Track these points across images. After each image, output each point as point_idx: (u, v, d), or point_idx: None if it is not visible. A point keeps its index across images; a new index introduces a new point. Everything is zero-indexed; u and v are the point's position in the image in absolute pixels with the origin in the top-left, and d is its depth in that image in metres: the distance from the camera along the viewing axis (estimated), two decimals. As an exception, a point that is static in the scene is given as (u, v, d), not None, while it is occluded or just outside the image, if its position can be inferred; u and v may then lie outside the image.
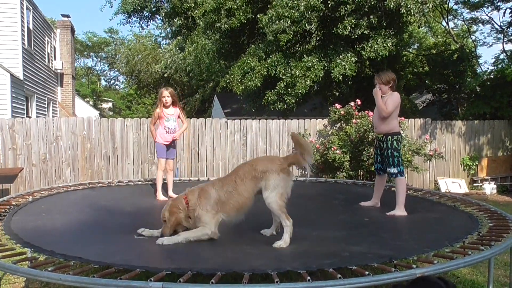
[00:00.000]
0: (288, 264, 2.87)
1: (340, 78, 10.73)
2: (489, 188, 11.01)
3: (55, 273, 2.58)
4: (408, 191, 6.31)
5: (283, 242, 3.50)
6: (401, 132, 5.36)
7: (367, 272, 2.51)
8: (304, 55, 11.21)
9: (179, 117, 6.25)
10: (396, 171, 4.96)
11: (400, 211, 4.82)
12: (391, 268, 2.63)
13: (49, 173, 9.32)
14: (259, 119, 10.66)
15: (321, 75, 10.92)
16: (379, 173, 5.30)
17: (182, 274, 2.55)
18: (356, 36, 10.63)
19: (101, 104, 40.98)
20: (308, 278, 2.43)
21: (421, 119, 11.37)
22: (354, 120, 9.59)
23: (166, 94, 6.12)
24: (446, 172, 11.46)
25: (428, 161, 10.46)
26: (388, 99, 4.98)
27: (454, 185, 11.00)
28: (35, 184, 9.09)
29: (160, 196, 5.92)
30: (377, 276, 2.51)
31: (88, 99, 36.49)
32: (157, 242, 3.53)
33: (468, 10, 17.47)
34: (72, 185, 6.45)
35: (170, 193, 5.99)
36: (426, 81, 18.20)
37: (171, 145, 6.21)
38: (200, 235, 3.57)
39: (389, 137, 4.98)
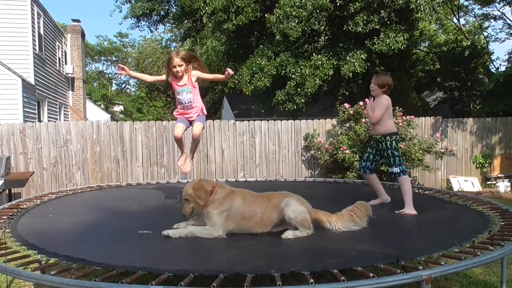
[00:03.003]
0: (292, 263, 2.83)
1: (350, 76, 10.64)
2: (503, 186, 10.82)
3: (57, 277, 2.58)
4: (419, 190, 6.25)
5: (292, 234, 3.49)
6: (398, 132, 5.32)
7: (371, 274, 2.46)
8: (313, 54, 11.15)
9: (195, 82, 4.88)
10: (399, 170, 4.96)
11: (409, 209, 4.76)
12: (397, 270, 2.57)
13: (59, 177, 9.40)
14: (268, 120, 10.62)
15: (330, 74, 10.85)
16: (365, 171, 5.36)
17: (184, 276, 2.53)
18: (367, 31, 10.53)
19: (113, 108, 41.35)
20: (311, 281, 2.39)
21: (432, 117, 11.22)
22: (363, 120, 9.51)
23: (178, 62, 4.67)
24: (458, 170, 11.30)
25: (440, 159, 10.32)
26: (376, 103, 5.00)
27: (467, 183, 10.83)
28: (46, 187, 9.18)
29: (181, 161, 5.26)
30: (381, 278, 2.45)
31: (99, 102, 36.83)
32: (162, 233, 3.53)
33: (479, 6, 17.24)
34: (81, 188, 6.48)
35: (188, 161, 5.21)
36: (438, 79, 18.01)
37: (195, 118, 4.95)
38: (207, 235, 3.52)
39: (388, 137, 4.98)
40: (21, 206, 4.99)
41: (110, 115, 32.14)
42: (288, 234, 3.49)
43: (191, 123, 4.95)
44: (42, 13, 15.24)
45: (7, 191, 7.81)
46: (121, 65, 4.91)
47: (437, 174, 10.99)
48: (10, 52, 13.24)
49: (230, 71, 4.77)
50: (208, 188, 3.59)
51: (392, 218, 4.52)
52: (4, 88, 12.20)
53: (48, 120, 15.17)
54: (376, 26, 10.60)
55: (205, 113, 5.06)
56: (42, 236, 3.66)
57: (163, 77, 5.08)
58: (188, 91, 4.80)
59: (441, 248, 3.11)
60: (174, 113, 5.08)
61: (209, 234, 3.51)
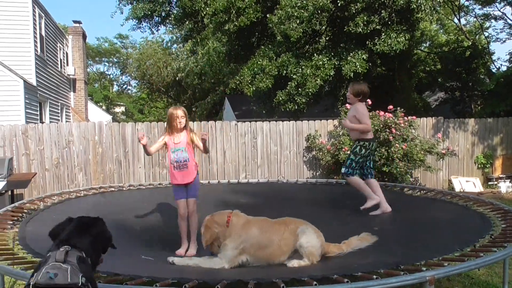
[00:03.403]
0: (292, 273, 2.84)
1: (351, 75, 10.65)
2: (505, 186, 10.81)
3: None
4: (421, 191, 6.27)
5: (297, 263, 3.42)
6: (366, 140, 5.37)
7: (374, 276, 2.47)
8: (314, 54, 11.16)
9: (192, 142, 4.64)
10: (343, 171, 5.30)
11: (370, 202, 5.12)
12: (399, 272, 2.57)
13: (62, 178, 9.42)
14: (269, 121, 10.62)
15: (331, 74, 10.85)
16: (362, 178, 5.42)
17: (188, 282, 2.54)
18: (368, 31, 10.53)
19: (114, 109, 41.38)
20: (315, 282, 2.40)
21: (433, 118, 11.22)
22: (365, 120, 9.49)
23: (181, 113, 4.58)
24: (460, 171, 11.29)
25: (441, 160, 10.32)
26: (361, 113, 5.17)
27: (469, 184, 10.83)
28: (49, 188, 9.20)
29: (182, 250, 4.32)
30: (386, 279, 2.46)
31: (101, 103, 36.85)
32: (168, 259, 3.54)
33: (480, 6, 17.22)
34: (83, 189, 6.49)
35: (191, 247, 4.37)
36: (439, 79, 17.99)
37: (192, 181, 4.59)
38: (213, 266, 3.44)
39: (357, 142, 5.25)
40: (24, 209, 5.01)
41: (111, 116, 32.16)
42: (294, 263, 3.42)
43: (186, 188, 4.57)
44: (43, 15, 15.27)
45: (9, 192, 7.83)
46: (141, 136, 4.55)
47: (439, 175, 10.99)
48: (12, 53, 13.26)
49: (204, 135, 4.64)
50: (224, 219, 3.53)
51: (392, 227, 4.52)
52: (6, 90, 12.22)
53: (50, 122, 15.18)
54: (377, 27, 10.60)
55: (198, 172, 4.71)
56: (48, 244, 3.67)
57: (161, 142, 4.69)
58: (183, 149, 4.54)
59: (442, 255, 3.11)
60: (171, 180, 4.63)
61: (215, 266, 3.43)
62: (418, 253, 3.25)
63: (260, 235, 3.48)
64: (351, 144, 9.38)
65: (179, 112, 4.57)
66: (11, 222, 4.41)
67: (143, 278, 2.67)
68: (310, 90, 10.69)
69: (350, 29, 10.50)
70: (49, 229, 4.21)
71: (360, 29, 10.36)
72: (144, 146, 4.54)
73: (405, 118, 9.46)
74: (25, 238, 3.86)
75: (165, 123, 4.81)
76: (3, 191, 7.42)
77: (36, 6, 14.24)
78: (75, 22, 21.02)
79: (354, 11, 10.38)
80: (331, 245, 3.68)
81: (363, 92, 5.22)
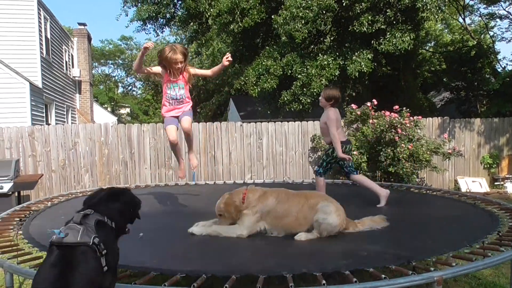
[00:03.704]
0: (304, 264, 2.84)
1: (357, 75, 10.63)
2: (511, 186, 10.76)
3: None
4: (427, 191, 6.26)
5: (304, 236, 3.47)
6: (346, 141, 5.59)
7: (383, 276, 2.47)
8: (319, 54, 11.17)
9: (188, 78, 4.62)
10: (316, 169, 5.65)
11: (382, 199, 5.21)
12: (408, 271, 2.58)
13: (68, 179, 9.47)
14: (275, 122, 10.63)
15: (336, 74, 10.85)
16: (319, 175, 5.65)
17: (197, 277, 2.55)
18: (373, 31, 10.53)
19: (119, 110, 41.56)
20: (323, 282, 2.40)
21: (439, 118, 11.19)
22: (370, 121, 9.50)
23: (180, 58, 4.39)
24: (466, 171, 11.25)
25: (447, 160, 10.29)
26: (328, 119, 5.35)
27: (475, 184, 10.79)
28: (55, 190, 9.25)
29: (182, 173, 5.06)
30: (394, 279, 2.46)
31: (106, 105, 37.02)
32: (188, 230, 3.58)
33: (485, 6, 17.17)
34: (90, 190, 6.52)
35: (192, 158, 4.94)
36: (444, 79, 17.95)
37: (183, 112, 4.68)
38: (230, 233, 3.53)
39: (331, 144, 5.45)
40: (32, 208, 5.04)
41: (117, 118, 32.30)
42: (301, 236, 3.47)
43: (178, 119, 4.69)
44: (48, 17, 15.37)
45: (16, 194, 7.88)
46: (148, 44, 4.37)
47: (445, 175, 10.95)
48: (18, 56, 13.36)
49: (228, 56, 4.67)
50: (238, 199, 3.58)
51: (402, 220, 4.52)
52: (12, 92, 12.31)
53: (56, 123, 15.28)
54: (382, 26, 10.60)
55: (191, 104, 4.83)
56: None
57: (156, 70, 4.70)
58: (181, 86, 4.59)
59: (452, 249, 3.11)
60: (162, 112, 4.75)
61: (232, 233, 3.51)
62: (428, 249, 3.26)
63: (277, 204, 3.54)
64: (356, 144, 9.39)
65: (179, 57, 4.38)
66: (18, 219, 4.44)
67: (152, 273, 2.67)
68: (315, 90, 10.70)
69: (355, 29, 10.50)
70: (55, 222, 4.26)
71: (365, 29, 10.36)
72: (142, 54, 4.41)
73: (411, 118, 9.44)
74: (30, 233, 3.88)
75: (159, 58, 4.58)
76: (10, 193, 7.46)
77: (41, 9, 14.34)
78: (80, 24, 21.15)
79: (359, 11, 10.39)
80: (351, 221, 3.73)
81: (335, 97, 5.44)
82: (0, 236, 3.77)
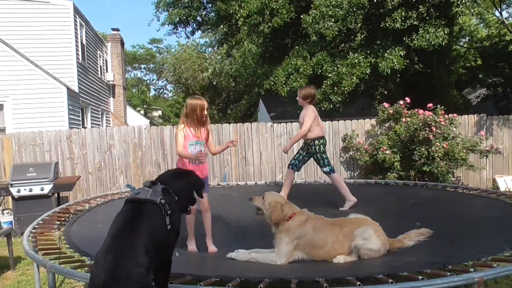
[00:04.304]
0: (335, 273, 2.81)
1: (389, 72, 10.43)
2: (554, 185, 10.31)
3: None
4: (463, 191, 6.08)
5: (343, 258, 3.40)
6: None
7: (420, 277, 2.42)
8: (350, 53, 11.03)
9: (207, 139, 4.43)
10: (329, 170, 5.91)
11: (348, 201, 5.62)
12: (446, 272, 2.51)
13: (104, 181, 9.73)
14: (305, 122, 10.56)
15: (367, 72, 10.69)
16: (292, 168, 6.10)
17: (231, 281, 2.58)
18: (405, 27, 10.31)
19: (151, 113, 42.34)
20: (358, 283, 2.38)
21: (475, 115, 10.84)
22: (403, 119, 9.32)
23: (206, 106, 4.33)
24: (505, 169, 10.84)
25: (485, 158, 9.97)
26: (305, 115, 5.81)
27: (515, 183, 10.38)
28: (92, 191, 9.52)
29: (193, 246, 4.21)
30: (431, 280, 2.40)
31: (139, 108, 37.80)
32: (227, 255, 3.60)
33: (523, -2, 16.52)
34: (125, 191, 6.68)
35: (210, 244, 4.20)
36: (479, 75, 17.39)
37: (204, 179, 4.22)
38: (269, 261, 3.47)
39: (316, 141, 5.86)
40: (71, 210, 5.22)
41: (149, 120, 32.93)
42: (340, 259, 3.40)
43: None
44: (84, 24, 15.83)
45: (56, 195, 8.15)
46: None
47: (482, 174, 10.60)
48: (56, 62, 13.82)
49: (236, 140, 4.64)
50: (286, 214, 3.52)
51: (436, 224, 4.39)
52: (51, 97, 12.75)
53: (92, 126, 15.72)
54: (415, 22, 10.37)
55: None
56: (92, 243, 3.81)
57: (182, 126, 4.30)
58: (202, 144, 4.31)
59: (491, 253, 3.00)
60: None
61: (272, 261, 3.45)
62: (465, 252, 3.15)
63: (313, 234, 3.47)
64: (389, 143, 9.24)
65: (206, 104, 4.31)
66: (58, 223, 4.61)
67: (187, 277, 2.72)
68: (346, 88, 10.58)
69: (387, 25, 10.31)
70: (94, 229, 4.39)
71: (398, 25, 10.17)
72: (191, 157, 4.17)
73: (446, 116, 9.20)
74: (71, 238, 4.02)
75: (184, 112, 4.32)
76: (50, 194, 7.72)
77: (77, 16, 14.79)
78: (113, 29, 21.69)
79: (390, 7, 10.20)
80: (395, 240, 3.64)
81: (311, 94, 5.89)
82: (42, 237, 3.93)
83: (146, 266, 2.01)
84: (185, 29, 14.77)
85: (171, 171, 2.87)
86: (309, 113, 5.78)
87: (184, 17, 13.97)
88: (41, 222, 4.53)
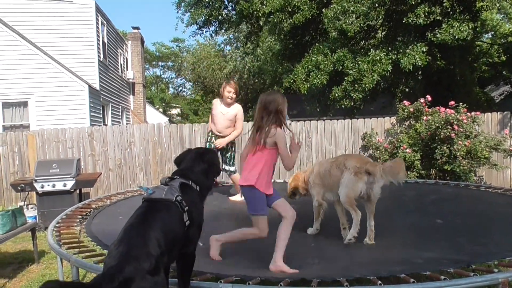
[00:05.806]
0: (356, 271, 2.79)
1: (410, 68, 10.28)
2: None
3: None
4: (486, 189, 5.97)
5: (350, 235, 3.65)
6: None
7: (442, 277, 2.38)
8: (371, 50, 10.91)
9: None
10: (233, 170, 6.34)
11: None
12: (469, 273, 2.47)
13: (124, 177, 9.86)
14: (324, 120, 10.51)
15: (389, 69, 10.56)
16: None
17: (251, 279, 2.59)
18: (427, 22, 10.15)
19: (170, 111, 42.70)
20: (379, 282, 2.36)
21: (498, 113, 10.61)
22: (424, 117, 9.18)
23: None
24: (529, 169, 10.59)
25: (509, 157, 9.75)
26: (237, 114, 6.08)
27: (540, 183, 10.14)
28: (112, 187, 9.66)
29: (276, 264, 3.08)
30: (454, 280, 2.36)
31: (158, 106, 38.15)
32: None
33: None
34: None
35: (274, 259, 3.08)
36: (503, 72, 17.00)
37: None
38: (314, 207, 4.21)
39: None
40: (93, 206, 5.31)
41: (168, 118, 33.21)
42: (349, 238, 3.63)
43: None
44: (105, 22, 16.05)
45: (78, 191, 8.30)
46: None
47: (506, 173, 10.38)
48: (78, 60, 14.07)
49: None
50: (303, 177, 4.40)
51: (458, 222, 4.34)
52: (73, 94, 12.99)
53: (112, 124, 15.95)
54: (438, 17, 10.19)
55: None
56: (114, 237, 3.88)
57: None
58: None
59: (516, 252, 2.95)
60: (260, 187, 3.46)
61: (314, 206, 4.18)
62: (489, 250, 3.10)
63: (320, 168, 4.23)
64: (409, 142, 9.12)
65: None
66: (81, 217, 4.69)
67: (207, 274, 2.74)
68: (367, 85, 10.47)
69: (410, 21, 10.16)
70: (115, 222, 4.46)
71: (421, 20, 10.01)
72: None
73: (468, 114, 9.03)
74: (92, 231, 4.08)
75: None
76: (72, 190, 7.86)
77: (99, 14, 15.01)
78: (133, 28, 21.93)
79: (413, 3, 10.04)
80: (370, 166, 3.80)
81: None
82: (66, 232, 4.01)
83: (156, 258, 2.04)
84: (209, 29, 14.86)
85: (191, 153, 2.89)
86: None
87: (206, 17, 14.04)
88: (64, 217, 4.62)
